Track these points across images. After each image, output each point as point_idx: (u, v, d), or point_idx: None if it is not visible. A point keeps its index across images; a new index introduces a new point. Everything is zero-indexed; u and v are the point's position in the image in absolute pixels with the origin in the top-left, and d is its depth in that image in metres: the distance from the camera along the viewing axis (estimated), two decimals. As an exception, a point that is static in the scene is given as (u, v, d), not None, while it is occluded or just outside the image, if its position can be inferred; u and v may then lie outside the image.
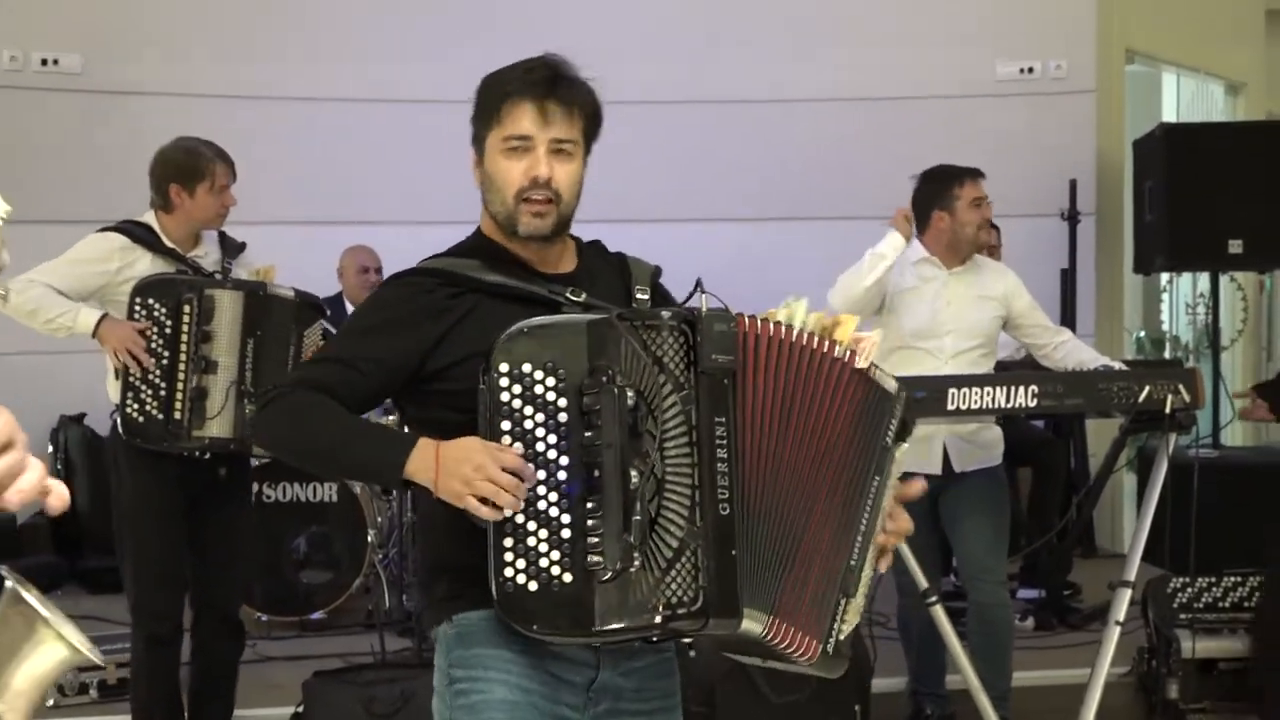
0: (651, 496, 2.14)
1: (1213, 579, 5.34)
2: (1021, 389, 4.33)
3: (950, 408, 4.33)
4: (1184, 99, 9.26)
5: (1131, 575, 4.44)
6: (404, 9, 7.80)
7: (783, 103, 7.95)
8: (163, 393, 4.30)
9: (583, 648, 2.29)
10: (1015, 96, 8.03)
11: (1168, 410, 4.30)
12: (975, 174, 4.96)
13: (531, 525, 2.12)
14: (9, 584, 1.68)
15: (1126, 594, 4.42)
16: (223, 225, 4.57)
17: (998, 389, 4.33)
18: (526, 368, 2.14)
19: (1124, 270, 8.21)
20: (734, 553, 2.17)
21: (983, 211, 4.93)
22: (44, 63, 7.30)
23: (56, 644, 1.70)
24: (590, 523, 2.10)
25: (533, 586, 2.11)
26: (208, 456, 4.39)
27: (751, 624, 2.19)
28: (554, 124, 2.34)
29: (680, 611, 2.14)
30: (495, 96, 2.36)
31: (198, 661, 4.57)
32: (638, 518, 2.11)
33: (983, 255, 5.14)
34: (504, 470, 2.10)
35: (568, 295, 2.33)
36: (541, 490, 2.12)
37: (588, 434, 2.12)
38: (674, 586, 2.14)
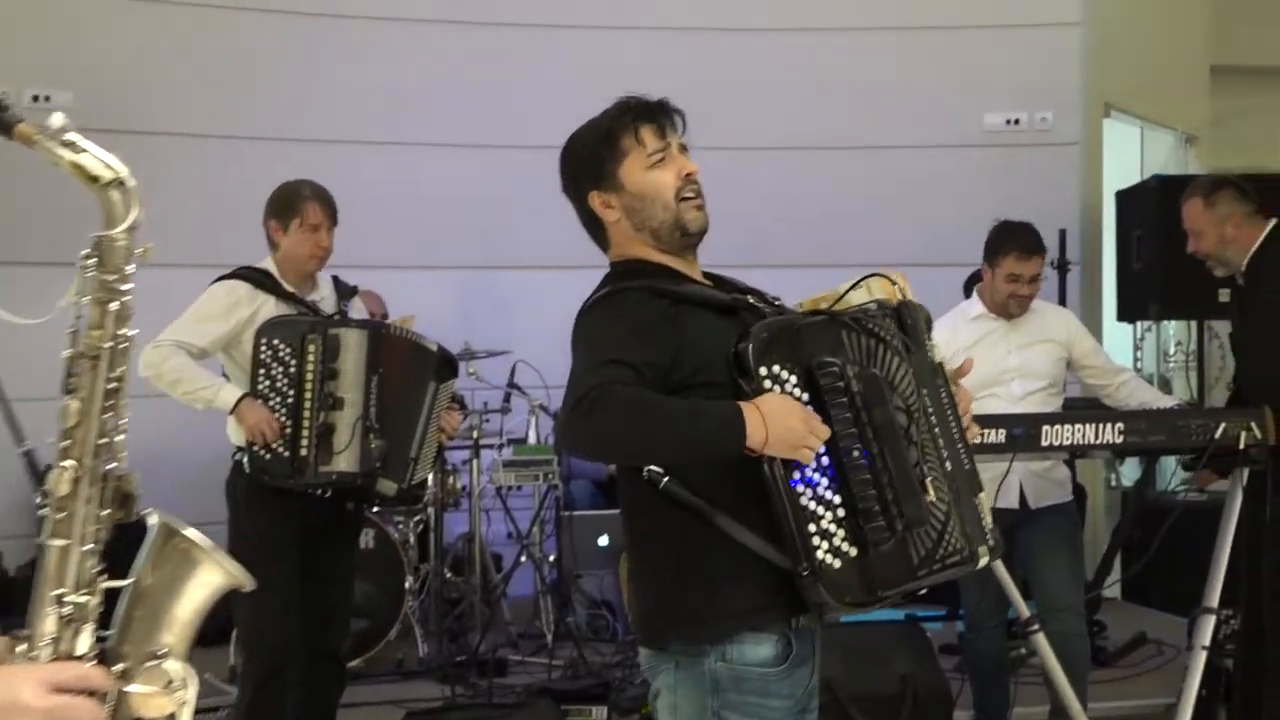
0: (916, 463, 2.60)
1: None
2: (1109, 426, 4.81)
3: (1044, 444, 4.80)
4: (1148, 151, 9.95)
5: (1214, 601, 4.92)
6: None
7: (767, 150, 8.44)
8: (289, 430, 4.58)
9: (809, 644, 2.68)
10: (1003, 147, 8.62)
11: (1241, 445, 4.83)
12: (1026, 248, 5.23)
13: (820, 509, 2.51)
14: (157, 520, 1.93)
15: (1211, 620, 4.90)
16: (321, 268, 4.85)
17: (1087, 426, 4.80)
18: (776, 369, 2.54)
19: (1103, 318, 8.80)
20: (963, 501, 2.68)
21: (1015, 288, 5.23)
22: (35, 99, 7.47)
23: (214, 571, 1.92)
24: (869, 495, 2.50)
25: (837, 564, 2.50)
26: (329, 494, 4.67)
27: (983, 559, 2.70)
28: (672, 134, 2.79)
29: (954, 559, 2.62)
30: (618, 131, 2.77)
31: (303, 703, 4.78)
32: (926, 479, 2.59)
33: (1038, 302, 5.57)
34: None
35: (749, 300, 2.73)
36: (816, 477, 2.51)
37: (845, 416, 2.53)
38: (952, 538, 2.62)
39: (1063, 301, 8.34)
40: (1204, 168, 9.96)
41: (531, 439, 7.18)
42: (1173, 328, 9.53)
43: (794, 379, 2.54)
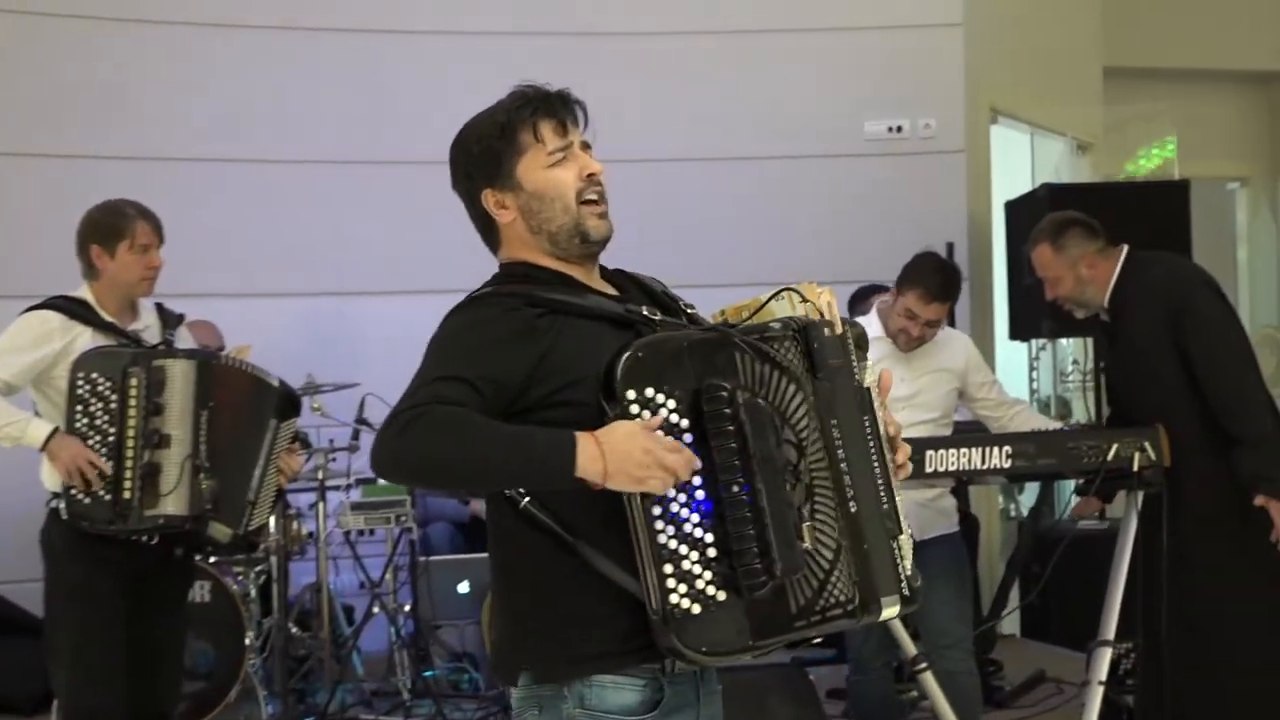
0: (802, 502, 2.53)
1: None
2: (996, 450, 4.94)
3: (929, 470, 4.91)
4: (1039, 158, 10.17)
5: (1110, 633, 5.04)
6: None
7: (636, 163, 8.50)
8: (110, 471, 4.54)
9: (691, 689, 2.67)
10: (885, 156, 8.77)
11: (1135, 468, 4.96)
12: (929, 292, 5.30)
13: (684, 549, 2.44)
14: None
15: (1107, 654, 5.03)
16: (150, 291, 4.83)
17: (974, 450, 4.93)
18: (649, 392, 2.48)
19: (995, 337, 8.98)
20: (866, 547, 2.58)
21: (908, 325, 5.33)
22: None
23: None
24: (747, 535, 2.44)
25: (696, 609, 2.43)
26: (156, 540, 4.64)
27: (889, 610, 2.59)
28: (573, 130, 2.77)
29: (836, 612, 2.52)
30: (515, 125, 2.74)
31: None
32: (804, 524, 2.51)
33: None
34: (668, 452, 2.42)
35: (644, 313, 2.66)
36: (685, 513, 2.45)
37: (730, 447, 2.46)
38: (836, 588, 2.52)
39: (952, 320, 8.46)
40: (1098, 175, 10.21)
41: (382, 479, 7.13)
42: (1071, 345, 9.75)
43: (672, 403, 2.48)
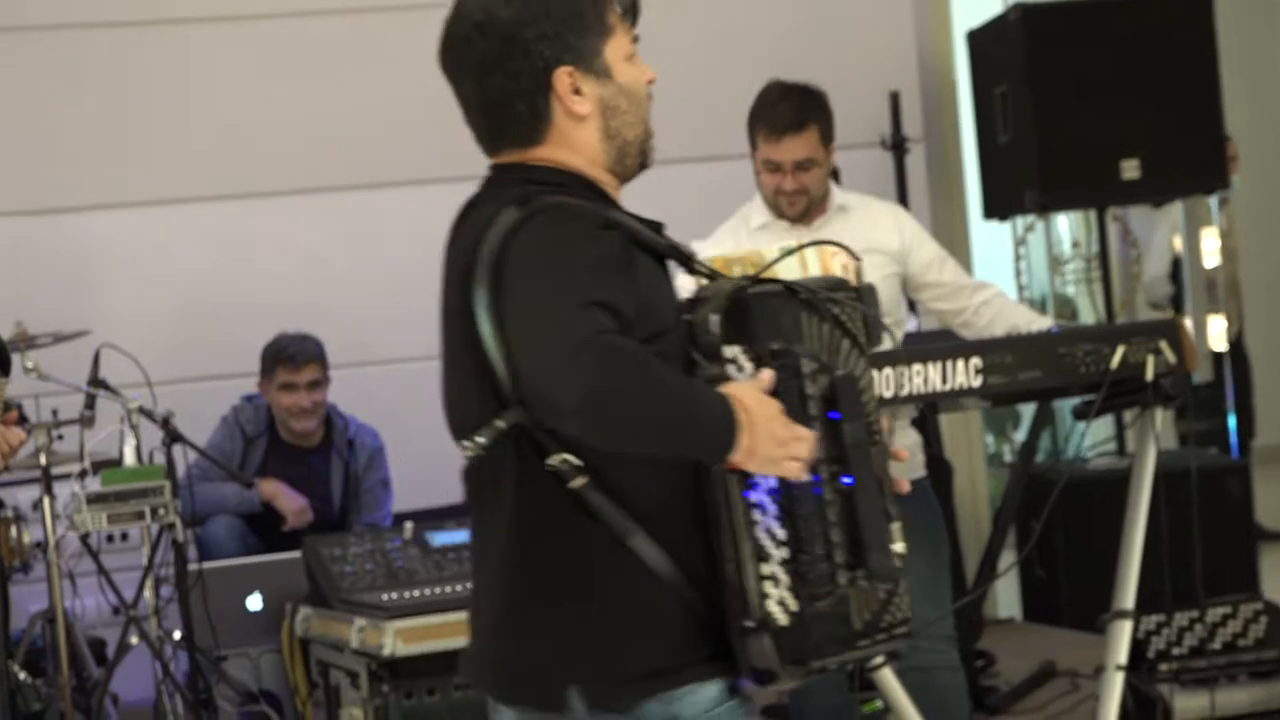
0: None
1: (1195, 614, 5.95)
2: (961, 364, 4.79)
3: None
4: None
5: (1129, 602, 4.99)
6: None
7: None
8: None
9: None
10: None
11: (1149, 377, 4.85)
12: (773, 125, 5.32)
13: (771, 546, 2.73)
14: None
15: (1127, 627, 4.98)
16: None
17: (930, 367, 4.77)
18: (734, 350, 2.77)
19: (968, 214, 8.94)
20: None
21: (779, 185, 5.34)
22: None
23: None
24: (835, 534, 2.75)
25: (784, 619, 2.71)
26: None
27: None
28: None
29: (899, 631, 2.89)
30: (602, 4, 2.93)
31: None
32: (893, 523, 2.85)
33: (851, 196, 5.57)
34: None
35: (695, 258, 2.96)
36: (769, 504, 2.74)
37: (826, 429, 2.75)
38: (900, 603, 2.87)
39: (903, 197, 8.39)
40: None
41: (129, 459, 6.93)
42: (1069, 224, 9.69)
43: (749, 366, 2.75)
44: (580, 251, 2.72)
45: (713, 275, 2.94)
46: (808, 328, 2.76)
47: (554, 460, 2.74)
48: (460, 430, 2.93)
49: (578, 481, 2.72)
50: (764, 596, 2.69)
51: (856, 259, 3.12)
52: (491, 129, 2.96)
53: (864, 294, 2.91)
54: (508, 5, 2.86)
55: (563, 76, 2.86)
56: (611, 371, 2.59)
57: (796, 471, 2.66)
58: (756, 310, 2.75)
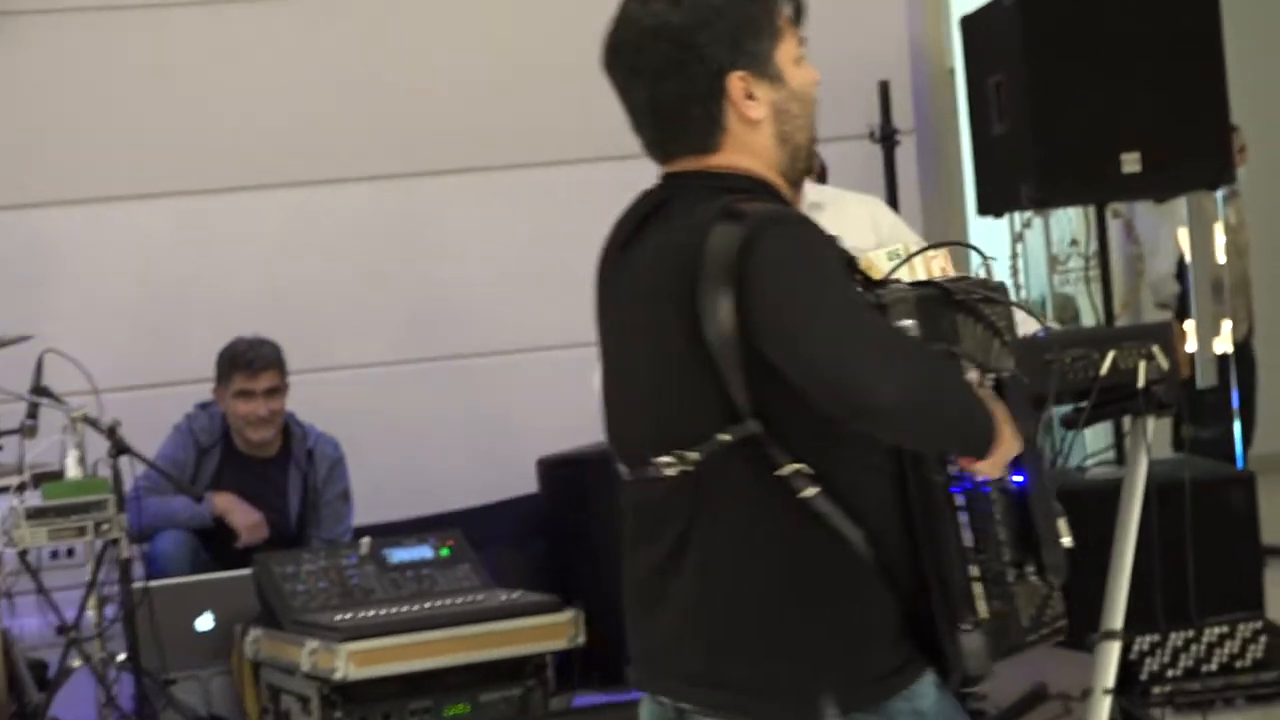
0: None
1: (1190, 634, 5.90)
2: (942, 368, 4.76)
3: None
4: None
5: (1118, 622, 4.96)
6: None
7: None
8: None
9: None
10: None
11: (1141, 384, 4.81)
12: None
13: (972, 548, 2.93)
14: None
15: (1115, 649, 4.95)
16: None
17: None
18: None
19: (965, 209, 8.93)
20: None
21: None
22: None
23: None
24: (1012, 532, 2.97)
25: (990, 621, 2.90)
26: None
27: None
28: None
29: (1060, 625, 3.10)
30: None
31: None
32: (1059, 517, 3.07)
33: (826, 192, 5.53)
34: None
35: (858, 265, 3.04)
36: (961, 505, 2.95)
37: None
38: (1057, 599, 3.08)
39: (892, 192, 8.34)
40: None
41: (72, 471, 6.89)
42: (1069, 220, 9.64)
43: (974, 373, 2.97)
44: (832, 258, 2.89)
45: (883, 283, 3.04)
46: (964, 330, 2.94)
47: (785, 471, 2.82)
48: (656, 446, 2.96)
49: (810, 491, 2.82)
50: (975, 595, 2.87)
51: (988, 258, 3.28)
52: (666, 135, 3.04)
53: (1001, 292, 3.10)
54: (679, 10, 2.93)
55: (736, 81, 2.95)
56: (924, 371, 2.78)
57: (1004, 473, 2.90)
58: (920, 314, 2.88)
